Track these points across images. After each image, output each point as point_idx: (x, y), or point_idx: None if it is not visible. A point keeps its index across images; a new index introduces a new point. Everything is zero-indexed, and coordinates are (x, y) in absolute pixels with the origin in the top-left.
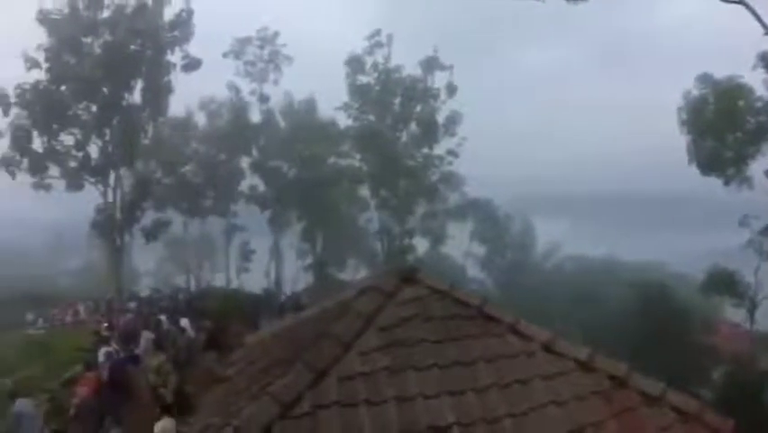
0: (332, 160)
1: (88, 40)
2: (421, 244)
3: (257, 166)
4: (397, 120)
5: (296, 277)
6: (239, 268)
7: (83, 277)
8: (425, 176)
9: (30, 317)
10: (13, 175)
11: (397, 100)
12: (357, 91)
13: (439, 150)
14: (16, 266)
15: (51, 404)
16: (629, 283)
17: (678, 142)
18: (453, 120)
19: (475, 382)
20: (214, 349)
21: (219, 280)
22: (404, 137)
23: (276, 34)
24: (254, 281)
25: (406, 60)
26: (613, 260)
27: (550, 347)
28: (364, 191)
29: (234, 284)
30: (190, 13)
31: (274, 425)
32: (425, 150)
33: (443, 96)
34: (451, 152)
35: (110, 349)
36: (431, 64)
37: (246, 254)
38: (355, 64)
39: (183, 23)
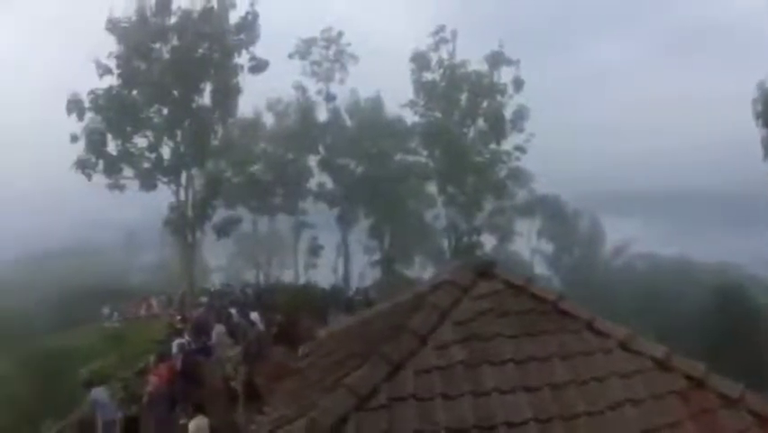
0: (399, 156)
1: (157, 45)
2: (488, 241)
3: (325, 164)
4: (463, 116)
5: (363, 273)
6: (307, 264)
7: (156, 273)
8: (493, 172)
9: (105, 311)
10: (89, 177)
11: (464, 96)
12: (423, 88)
13: (506, 145)
14: (92, 263)
15: (126, 392)
16: (703, 284)
17: (754, 135)
18: (521, 115)
19: (551, 379)
20: (284, 342)
21: (287, 277)
22: (471, 133)
23: (340, 34)
24: (322, 277)
25: (472, 56)
26: (685, 260)
27: (627, 345)
28: (431, 188)
29: (302, 280)
30: (255, 15)
31: (350, 417)
32: (493, 146)
33: (509, 90)
34: (518, 148)
35: (183, 341)
36: (497, 59)
37: (314, 250)
38: (420, 61)
39: (249, 25)
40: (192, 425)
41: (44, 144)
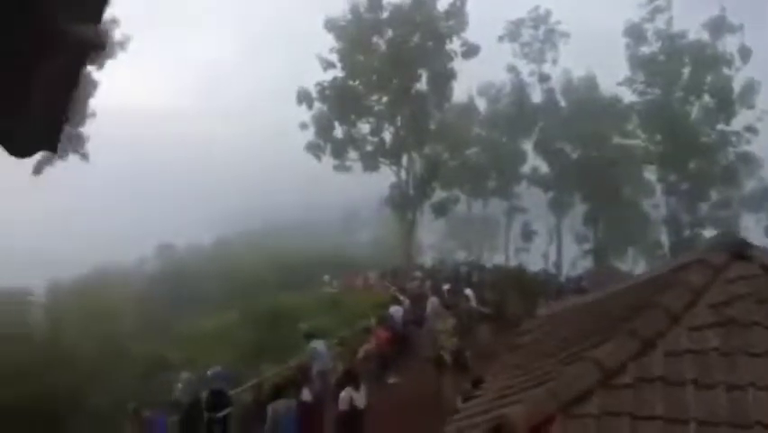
0: (616, 139)
1: (374, 38)
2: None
3: (539, 147)
4: (686, 92)
5: (574, 261)
6: (518, 248)
7: (372, 248)
8: (720, 156)
9: (326, 278)
10: (318, 159)
11: (686, 70)
12: (640, 63)
13: (735, 125)
14: (318, 236)
15: (342, 348)
16: None
17: None
18: (750, 89)
19: None
20: (492, 321)
21: (497, 260)
22: (694, 112)
23: (548, 12)
24: (532, 263)
25: (690, 24)
26: None
27: None
28: (650, 174)
29: (512, 264)
30: (463, 1)
31: (595, 391)
32: (720, 125)
33: (736, 62)
34: (749, 129)
35: (399, 309)
36: (718, 25)
37: (527, 235)
38: (635, 33)
39: (457, 11)
40: (344, 394)
41: (272, 132)
